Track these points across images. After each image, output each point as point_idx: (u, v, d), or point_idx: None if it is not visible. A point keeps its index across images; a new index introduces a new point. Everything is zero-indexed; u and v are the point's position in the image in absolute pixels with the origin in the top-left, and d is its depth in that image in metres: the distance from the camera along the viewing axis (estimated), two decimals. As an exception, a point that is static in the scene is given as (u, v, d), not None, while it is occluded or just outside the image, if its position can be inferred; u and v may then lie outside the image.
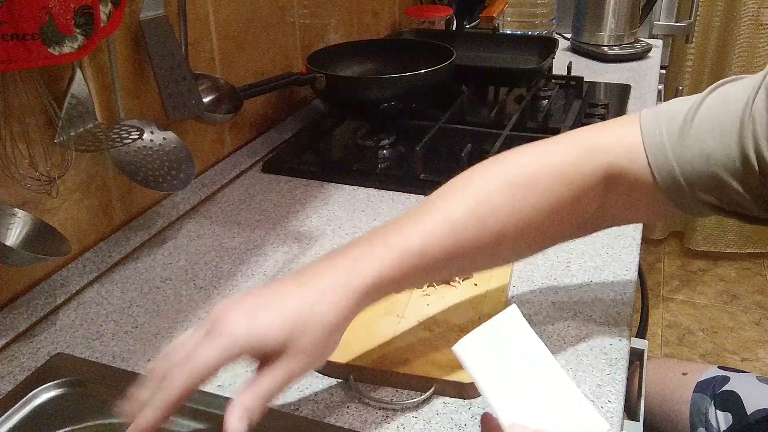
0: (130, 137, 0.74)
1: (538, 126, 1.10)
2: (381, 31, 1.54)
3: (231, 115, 0.93)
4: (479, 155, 0.97)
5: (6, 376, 0.62)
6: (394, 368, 0.59)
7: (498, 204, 0.52)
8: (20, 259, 0.64)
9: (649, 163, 0.53)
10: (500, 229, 0.52)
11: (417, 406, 0.58)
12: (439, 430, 0.56)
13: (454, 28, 1.55)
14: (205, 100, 0.90)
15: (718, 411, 0.86)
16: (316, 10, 1.22)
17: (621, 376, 0.61)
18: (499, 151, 0.96)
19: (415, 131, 1.04)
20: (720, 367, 0.93)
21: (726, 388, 0.88)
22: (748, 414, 0.84)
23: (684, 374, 0.93)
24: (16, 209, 0.66)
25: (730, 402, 0.86)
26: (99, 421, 0.58)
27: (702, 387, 0.90)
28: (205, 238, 0.85)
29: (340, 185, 0.97)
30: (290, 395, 0.59)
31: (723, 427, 0.85)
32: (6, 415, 0.57)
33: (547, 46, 1.32)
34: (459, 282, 0.71)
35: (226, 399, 0.58)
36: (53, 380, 0.60)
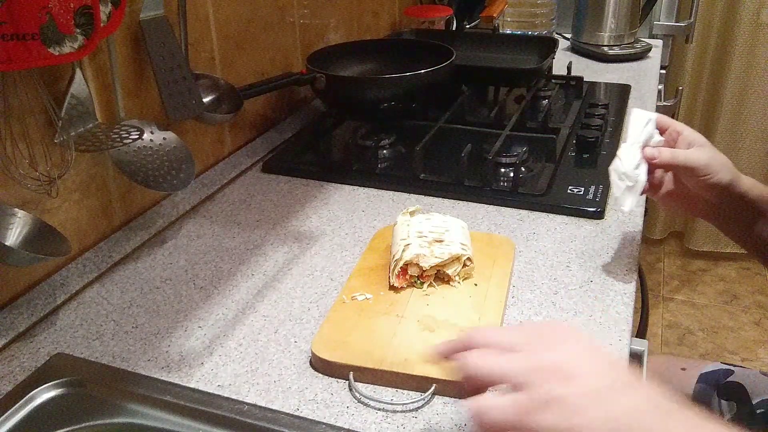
0: (130, 137, 0.74)
1: (538, 126, 1.10)
2: (381, 31, 1.54)
3: (231, 115, 0.93)
4: (479, 155, 0.98)
5: (6, 376, 0.62)
6: (394, 368, 0.59)
7: None
8: (20, 259, 0.64)
9: None
10: None
11: (417, 406, 0.58)
12: (439, 430, 0.56)
13: (454, 28, 1.55)
14: (205, 100, 0.90)
15: (722, 400, 0.86)
16: (316, 10, 1.22)
17: (621, 376, 0.60)
18: (499, 152, 0.97)
19: (415, 131, 1.04)
20: (723, 363, 0.93)
21: (730, 379, 0.88)
22: (753, 403, 0.84)
23: (683, 369, 0.93)
24: (16, 209, 0.66)
25: (735, 391, 0.86)
26: (99, 421, 0.58)
27: (705, 378, 0.90)
28: (205, 238, 0.85)
29: (340, 185, 0.97)
30: (290, 395, 0.59)
31: (727, 416, 0.85)
32: (6, 415, 0.57)
33: (547, 46, 1.32)
34: (459, 282, 0.71)
35: (226, 399, 0.59)
36: (53, 380, 0.60)
